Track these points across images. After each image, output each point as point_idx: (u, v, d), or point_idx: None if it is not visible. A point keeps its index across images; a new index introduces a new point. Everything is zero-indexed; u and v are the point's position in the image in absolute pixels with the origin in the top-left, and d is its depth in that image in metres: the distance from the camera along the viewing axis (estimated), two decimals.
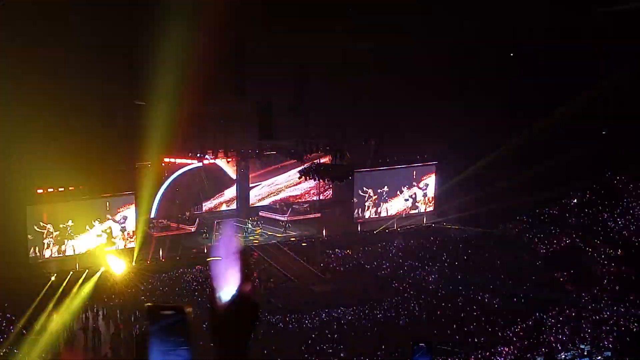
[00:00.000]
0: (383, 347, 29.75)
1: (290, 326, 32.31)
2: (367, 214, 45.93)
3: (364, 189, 45.47)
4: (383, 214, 46.40)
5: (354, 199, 45.40)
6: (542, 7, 32.23)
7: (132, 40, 28.25)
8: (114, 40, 27.36)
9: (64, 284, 36.03)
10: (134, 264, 38.37)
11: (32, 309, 33.94)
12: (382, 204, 46.34)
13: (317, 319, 33.08)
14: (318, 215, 45.77)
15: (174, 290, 35.54)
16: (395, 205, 46.62)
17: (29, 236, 37.44)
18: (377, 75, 38.22)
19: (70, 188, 38.28)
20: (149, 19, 26.88)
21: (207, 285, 36.36)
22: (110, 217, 39.54)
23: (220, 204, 45.21)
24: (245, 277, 4.12)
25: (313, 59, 31.72)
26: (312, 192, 46.56)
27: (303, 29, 29.71)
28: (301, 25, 29.35)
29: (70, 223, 38.50)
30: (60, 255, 38.25)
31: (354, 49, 35.57)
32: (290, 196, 46.31)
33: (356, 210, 45.63)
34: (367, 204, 45.94)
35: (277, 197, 46.16)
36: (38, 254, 37.65)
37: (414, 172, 46.88)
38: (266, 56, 31.82)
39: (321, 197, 46.59)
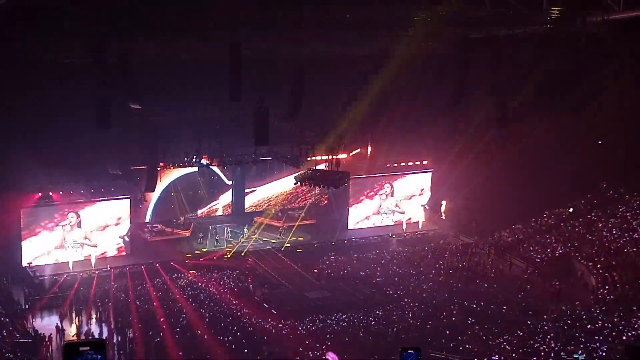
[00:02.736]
0: (376, 356, 29.67)
1: (283, 332, 32.22)
2: (362, 221, 45.90)
3: (361, 195, 45.53)
4: (378, 221, 46.42)
5: (349, 206, 45.41)
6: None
7: (128, 43, 28.19)
8: (110, 43, 27.30)
9: (58, 288, 35.99)
10: (128, 268, 38.27)
11: (26, 313, 33.89)
12: (377, 210, 46.33)
13: (310, 325, 33.00)
14: (313, 221, 45.76)
15: (168, 295, 35.43)
16: (391, 212, 46.63)
17: (24, 240, 37.37)
18: (375, 81, 38.22)
19: (65, 192, 38.28)
20: (147, 21, 26.85)
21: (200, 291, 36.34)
22: (104, 221, 39.48)
23: (216, 209, 45.19)
24: None
25: (310, 64, 31.69)
26: (307, 198, 46.58)
27: (300, 34, 29.73)
28: (298, 31, 29.35)
29: (65, 227, 38.45)
30: (55, 258, 38.17)
31: (351, 54, 35.60)
32: (285, 202, 46.40)
33: (351, 217, 45.62)
34: (362, 210, 45.94)
35: (272, 203, 46.21)
36: (32, 257, 37.56)
37: (410, 179, 46.91)
38: (263, 61, 31.83)
39: (317, 204, 46.61)
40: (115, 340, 31.77)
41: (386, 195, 46.43)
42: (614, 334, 29.54)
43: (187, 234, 42.73)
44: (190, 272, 38.62)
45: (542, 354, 28.44)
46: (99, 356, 4.12)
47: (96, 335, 32.20)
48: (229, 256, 40.95)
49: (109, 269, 38.10)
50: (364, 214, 46.14)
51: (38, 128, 34.88)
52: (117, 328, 32.89)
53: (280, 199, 46.30)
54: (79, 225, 38.88)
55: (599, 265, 37.02)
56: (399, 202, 46.77)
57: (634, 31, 32.10)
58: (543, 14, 30.31)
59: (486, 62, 34.09)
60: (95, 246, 39.40)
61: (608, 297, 33.93)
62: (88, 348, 4.14)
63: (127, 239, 40.20)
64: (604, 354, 27.53)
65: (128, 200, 40.19)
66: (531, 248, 41.04)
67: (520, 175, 41.28)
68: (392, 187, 46.50)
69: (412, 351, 5.24)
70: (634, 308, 31.67)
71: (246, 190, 45.59)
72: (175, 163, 41.10)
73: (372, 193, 46.15)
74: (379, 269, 40.01)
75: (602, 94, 37.69)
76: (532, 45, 33.65)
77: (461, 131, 40.77)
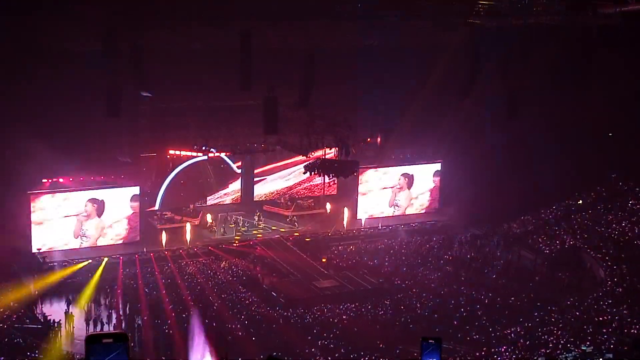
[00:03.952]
0: (382, 344, 29.75)
1: (292, 321, 32.32)
2: (371, 211, 45.88)
3: (370, 185, 45.49)
4: (387, 211, 46.39)
5: (358, 195, 45.38)
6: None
7: (139, 32, 28.26)
8: (121, 31, 27.37)
9: (67, 275, 36.16)
10: (137, 255, 38.40)
11: (34, 298, 34.08)
12: (386, 200, 46.30)
13: (319, 314, 33.10)
14: (322, 210, 45.78)
15: (176, 283, 35.56)
16: (399, 203, 46.60)
17: (33, 226, 37.49)
18: (384, 70, 38.21)
19: (75, 179, 38.43)
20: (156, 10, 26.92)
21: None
22: (114, 209, 39.57)
23: (225, 197, 45.24)
24: None
25: (320, 54, 31.68)
26: (316, 187, 46.59)
27: (310, 23, 29.76)
28: (309, 20, 29.39)
29: (74, 213, 38.56)
30: (64, 245, 38.32)
31: (361, 45, 35.56)
32: (294, 191, 46.46)
33: (360, 207, 45.59)
34: (371, 200, 45.90)
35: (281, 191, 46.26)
36: (42, 243, 37.70)
37: (420, 170, 46.82)
38: (273, 50, 31.83)
39: (325, 193, 46.59)
40: (123, 327, 31.95)
41: (400, 187, 46.31)
42: (622, 326, 29.53)
43: (196, 222, 42.79)
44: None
45: (550, 345, 28.45)
46: (121, 348, 4.14)
47: (104, 321, 32.41)
48: (237, 243, 41.00)
49: (118, 256, 38.22)
50: (373, 204, 46.07)
51: (48, 115, 35.01)
52: (126, 315, 33.10)
53: (290, 188, 46.34)
54: (95, 213, 38.98)
55: (607, 258, 36.97)
56: (409, 191, 46.70)
57: None
58: (555, 4, 30.22)
59: (497, 53, 34.04)
60: (104, 233, 39.50)
61: (616, 290, 33.90)
62: (111, 340, 4.17)
63: (136, 226, 40.29)
64: (611, 346, 27.52)
65: (138, 187, 40.26)
66: (540, 240, 40.97)
67: (530, 167, 41.17)
68: (406, 179, 46.39)
69: (432, 341, 5.25)
70: None
71: (255, 179, 45.63)
72: (184, 151, 41.21)
73: (382, 183, 46.04)
74: (387, 259, 40.01)
75: (613, 85, 37.51)
76: (544, 36, 33.57)
77: (471, 122, 40.65)
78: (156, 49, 30.75)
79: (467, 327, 31.16)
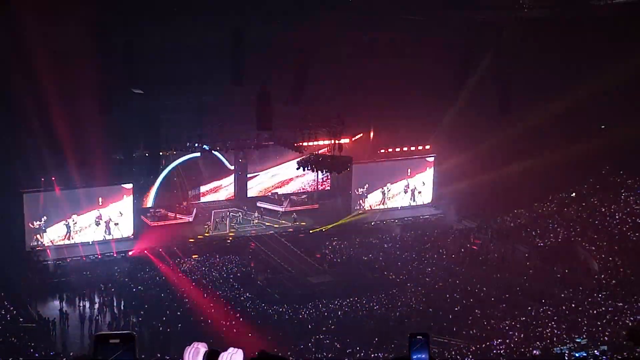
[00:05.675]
0: (377, 339, 29.78)
1: (286, 317, 32.32)
2: (364, 206, 45.88)
3: (362, 181, 45.47)
4: (381, 206, 46.41)
5: (352, 191, 45.36)
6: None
7: (130, 28, 28.15)
8: (112, 28, 27.27)
9: (61, 272, 36.05)
10: (131, 253, 38.32)
11: (29, 297, 33.97)
12: (380, 196, 46.30)
13: (313, 309, 33.11)
14: (316, 206, 45.74)
15: (170, 280, 35.49)
16: (393, 197, 46.62)
17: (27, 225, 37.36)
18: (377, 65, 38.12)
19: (67, 177, 38.28)
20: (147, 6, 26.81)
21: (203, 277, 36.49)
22: (107, 206, 39.46)
23: (219, 186, 45.06)
24: None
25: (312, 48, 31.60)
26: (310, 183, 46.55)
27: (302, 17, 29.68)
28: (300, 14, 29.30)
29: (68, 211, 38.42)
30: (58, 243, 38.20)
31: (354, 38, 35.48)
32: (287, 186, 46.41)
33: (354, 202, 45.59)
34: (364, 195, 45.89)
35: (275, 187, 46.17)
36: (35, 242, 37.57)
37: (413, 164, 46.83)
38: (265, 45, 31.73)
39: (319, 188, 46.59)
40: (114, 325, 31.88)
41: (388, 179, 46.32)
42: (616, 318, 29.63)
43: (190, 219, 42.70)
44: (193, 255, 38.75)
45: (545, 338, 28.53)
46: (128, 349, 4.15)
47: (99, 320, 32.34)
48: (231, 240, 40.94)
49: (112, 253, 38.13)
50: (368, 199, 46.07)
51: (40, 114, 34.81)
52: (121, 313, 33.03)
53: (283, 184, 46.27)
54: (83, 209, 38.87)
55: (601, 250, 37.04)
56: (402, 186, 46.72)
57: (637, 14, 31.99)
58: None
59: (489, 46, 34.00)
60: (99, 230, 39.40)
61: (610, 282, 34.00)
62: (118, 340, 4.18)
63: (130, 223, 40.18)
64: (606, 338, 27.61)
65: (131, 185, 40.14)
66: (534, 233, 41.03)
67: (523, 160, 41.17)
68: (395, 171, 46.39)
69: (420, 337, 5.21)
70: (636, 293, 31.75)
71: (248, 175, 45.53)
72: (177, 148, 41.08)
73: (376, 178, 46.03)
74: (381, 253, 40.02)
75: (605, 77, 37.47)
76: (536, 29, 33.55)
77: (464, 116, 40.61)
78: (148, 45, 30.61)
79: (462, 321, 31.21)
